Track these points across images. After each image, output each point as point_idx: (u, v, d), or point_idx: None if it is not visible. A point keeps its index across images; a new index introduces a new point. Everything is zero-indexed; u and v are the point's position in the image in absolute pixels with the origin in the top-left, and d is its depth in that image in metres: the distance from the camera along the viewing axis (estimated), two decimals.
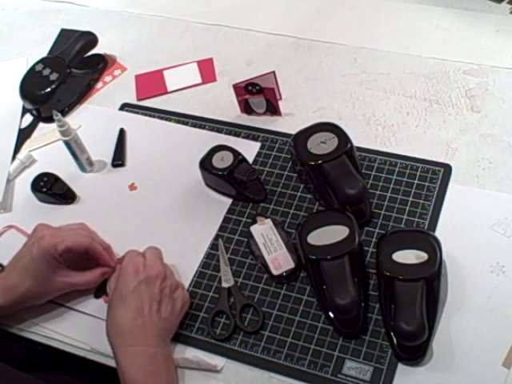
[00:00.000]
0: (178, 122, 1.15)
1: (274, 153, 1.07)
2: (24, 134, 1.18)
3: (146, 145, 1.13)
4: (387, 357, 0.85)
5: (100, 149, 1.12)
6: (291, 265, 0.92)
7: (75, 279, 0.92)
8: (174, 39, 1.30)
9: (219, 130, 1.12)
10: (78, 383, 1.02)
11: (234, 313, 0.91)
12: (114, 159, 1.11)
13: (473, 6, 1.24)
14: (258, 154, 1.08)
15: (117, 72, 1.26)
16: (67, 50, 1.21)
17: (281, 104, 1.12)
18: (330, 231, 0.90)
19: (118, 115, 1.18)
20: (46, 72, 1.18)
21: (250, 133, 1.11)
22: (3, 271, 0.91)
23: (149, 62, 1.26)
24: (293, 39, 1.25)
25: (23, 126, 1.20)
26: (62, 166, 1.10)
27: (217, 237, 0.99)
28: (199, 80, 1.21)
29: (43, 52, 1.30)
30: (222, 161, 1.01)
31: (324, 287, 0.87)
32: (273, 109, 1.11)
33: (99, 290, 0.95)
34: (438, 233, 0.94)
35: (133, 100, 1.20)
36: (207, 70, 1.22)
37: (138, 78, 1.24)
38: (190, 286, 0.95)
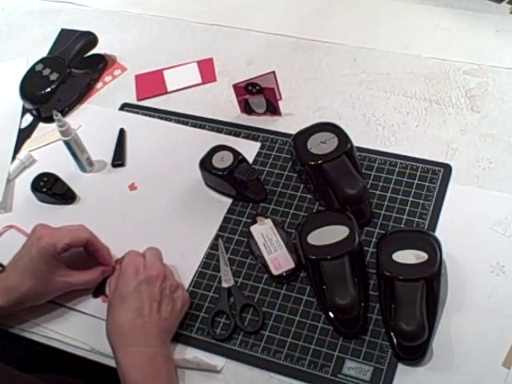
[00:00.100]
0: (178, 121, 1.15)
1: (273, 153, 1.07)
2: (24, 134, 1.18)
3: (146, 145, 1.13)
4: (387, 357, 0.85)
5: (100, 149, 1.12)
6: (291, 265, 0.92)
7: (75, 278, 0.92)
8: (174, 39, 1.30)
9: (219, 130, 1.12)
10: (77, 383, 1.02)
11: (234, 313, 0.91)
12: (113, 159, 1.11)
13: (473, 5, 1.24)
14: (258, 154, 1.08)
15: (117, 72, 1.26)
16: (67, 50, 1.21)
17: (281, 104, 1.12)
18: (330, 231, 0.90)
19: (118, 115, 1.18)
20: (46, 72, 1.18)
21: (249, 133, 1.11)
22: (4, 271, 0.91)
23: (149, 62, 1.26)
24: (293, 39, 1.25)
25: (23, 126, 1.20)
26: (62, 166, 1.10)
27: (217, 237, 0.99)
28: (199, 80, 1.21)
29: (43, 52, 1.30)
30: (222, 161, 1.01)
31: (324, 287, 0.87)
32: (273, 109, 1.11)
33: (98, 290, 0.96)
34: (438, 233, 0.94)
35: (133, 100, 1.20)
36: (207, 70, 1.22)
37: (138, 78, 1.24)
38: (189, 285, 0.95)
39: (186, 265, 0.97)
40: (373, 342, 0.86)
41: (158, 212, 1.04)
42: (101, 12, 1.38)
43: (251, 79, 1.09)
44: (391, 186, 1.00)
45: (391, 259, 0.87)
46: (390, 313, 0.85)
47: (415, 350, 0.84)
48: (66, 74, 1.18)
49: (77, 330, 0.93)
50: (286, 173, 1.05)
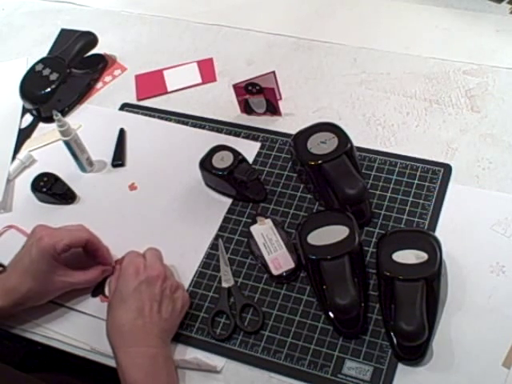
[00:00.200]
0: (178, 122, 1.15)
1: (273, 153, 1.07)
2: (24, 134, 1.18)
3: (146, 145, 1.13)
4: (387, 357, 0.85)
5: (100, 149, 1.12)
6: (291, 265, 0.92)
7: (75, 278, 0.92)
8: (174, 39, 1.30)
9: (219, 130, 1.12)
10: (77, 383, 1.02)
11: (234, 313, 0.91)
12: (113, 159, 1.11)
13: (473, 5, 1.24)
14: (258, 154, 1.08)
15: (117, 72, 1.26)
16: (67, 50, 1.21)
17: (281, 104, 1.12)
18: (330, 231, 0.90)
19: (118, 115, 1.18)
20: (46, 72, 1.18)
21: (249, 133, 1.11)
22: (5, 271, 0.91)
23: (149, 62, 1.26)
24: (293, 39, 1.25)
25: (23, 126, 1.20)
26: (62, 166, 1.10)
27: (217, 237, 0.99)
28: (199, 80, 1.21)
29: (43, 52, 1.30)
30: (222, 161, 1.01)
31: (324, 287, 0.87)
32: (273, 109, 1.11)
33: (96, 289, 0.96)
34: (438, 233, 0.94)
35: (133, 100, 1.20)
36: (207, 70, 1.22)
37: (138, 78, 1.24)
38: (189, 285, 0.95)
39: (185, 265, 0.97)
40: (373, 342, 0.86)
41: (158, 212, 1.04)
42: (101, 12, 1.38)
43: (251, 79, 1.09)
44: (391, 185, 1.00)
45: (391, 259, 0.87)
46: (390, 313, 0.85)
47: (415, 350, 0.84)
48: (66, 74, 1.18)
49: (77, 330, 0.93)
50: (285, 173, 1.05)
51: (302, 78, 1.18)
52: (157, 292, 0.87)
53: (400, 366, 0.84)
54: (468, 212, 0.96)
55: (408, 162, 1.03)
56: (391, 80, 1.15)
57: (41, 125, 1.20)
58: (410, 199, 0.98)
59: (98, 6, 1.40)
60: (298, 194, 1.02)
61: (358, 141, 1.03)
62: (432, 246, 0.87)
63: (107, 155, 1.12)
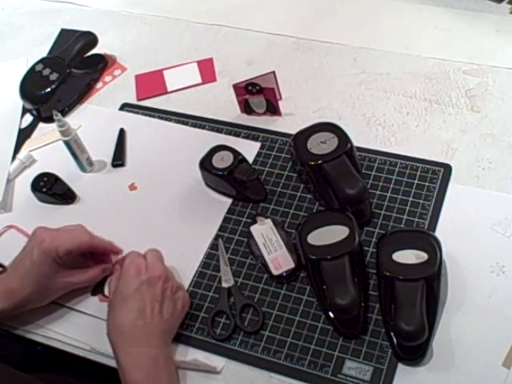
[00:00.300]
0: (178, 122, 1.15)
1: (273, 153, 1.07)
2: (24, 134, 1.18)
3: (145, 145, 1.13)
4: (387, 357, 0.85)
5: (100, 149, 1.12)
6: (291, 265, 0.92)
7: (76, 278, 0.92)
8: (174, 39, 1.30)
9: (219, 130, 1.12)
10: (77, 383, 1.02)
11: (234, 313, 0.91)
12: (113, 159, 1.11)
13: (473, 5, 1.24)
14: (258, 154, 1.08)
15: (117, 72, 1.26)
16: (67, 49, 1.21)
17: (281, 104, 1.12)
18: (330, 231, 0.90)
19: (118, 115, 1.18)
20: (46, 72, 1.18)
21: (249, 133, 1.11)
22: (5, 271, 0.91)
23: (149, 62, 1.26)
24: (293, 39, 1.25)
25: (23, 126, 1.20)
26: (62, 166, 1.10)
27: (217, 237, 0.99)
28: (199, 80, 1.21)
29: (43, 52, 1.30)
30: (222, 161, 1.01)
31: (324, 287, 0.87)
32: (273, 109, 1.11)
33: (96, 288, 0.96)
34: (438, 233, 0.94)
35: (133, 100, 1.20)
36: (207, 70, 1.22)
37: (138, 78, 1.24)
38: (189, 285, 0.95)
39: (185, 265, 0.97)
40: (373, 342, 0.86)
41: (158, 212, 1.04)
42: (101, 12, 1.38)
43: (251, 79, 1.09)
44: (391, 185, 1.00)
45: (391, 259, 0.87)
46: (390, 313, 0.85)
47: (415, 350, 0.84)
48: (66, 74, 1.18)
49: (77, 330, 0.93)
50: (285, 173, 1.05)
51: (302, 77, 1.18)
52: (158, 292, 0.87)
53: (400, 366, 0.84)
54: (468, 212, 0.96)
55: (408, 162, 1.03)
56: (391, 80, 1.15)
57: (41, 125, 1.20)
58: (410, 199, 0.98)
59: (98, 6, 1.40)
60: (298, 194, 1.02)
61: (357, 141, 1.03)
62: (432, 246, 0.87)
63: (107, 155, 1.12)
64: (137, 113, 1.18)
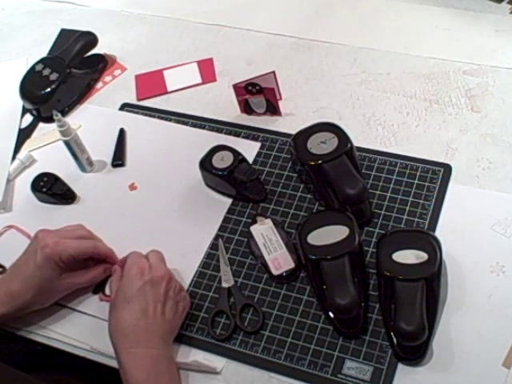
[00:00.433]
0: (178, 122, 1.15)
1: (273, 153, 1.07)
2: (24, 134, 1.18)
3: (145, 145, 1.13)
4: (387, 357, 0.85)
5: (100, 149, 1.12)
6: (291, 265, 0.92)
7: (79, 278, 0.93)
8: (174, 39, 1.30)
9: (219, 130, 1.12)
10: (77, 383, 1.02)
11: (234, 313, 0.91)
12: (113, 159, 1.11)
13: (473, 5, 1.24)
14: (258, 154, 1.08)
15: (117, 72, 1.26)
16: (67, 50, 1.21)
17: (281, 104, 1.12)
18: (330, 231, 0.90)
19: (118, 115, 1.18)
20: (46, 72, 1.18)
21: (249, 133, 1.11)
22: (4, 272, 0.91)
23: (149, 62, 1.26)
24: (293, 39, 1.25)
25: (23, 126, 1.20)
26: (62, 166, 1.10)
27: (217, 237, 0.99)
28: (199, 80, 1.21)
29: (43, 52, 1.30)
30: (222, 161, 1.01)
31: (324, 287, 0.87)
32: (273, 109, 1.11)
33: (98, 287, 0.96)
34: (438, 233, 0.94)
35: (133, 100, 1.20)
36: (207, 70, 1.22)
37: (138, 78, 1.24)
38: (190, 285, 0.95)
39: (185, 265, 0.97)
40: (373, 342, 0.86)
41: (158, 212, 1.04)
42: (101, 12, 1.38)
43: (251, 79, 1.09)
44: (391, 185, 1.00)
45: (391, 259, 0.87)
46: (390, 313, 0.85)
47: (415, 350, 0.84)
48: (66, 74, 1.18)
49: (77, 330, 0.93)
50: (285, 173, 1.05)
51: (302, 77, 1.18)
52: (161, 293, 0.87)
53: (400, 366, 0.84)
54: (468, 212, 0.96)
55: (408, 162, 1.03)
56: (391, 80, 1.15)
57: (41, 125, 1.20)
58: (410, 199, 0.98)
59: (98, 6, 1.40)
60: (298, 194, 1.02)
61: (357, 141, 1.03)
62: (432, 246, 0.87)
63: (107, 155, 1.12)
64: (137, 113, 1.18)
